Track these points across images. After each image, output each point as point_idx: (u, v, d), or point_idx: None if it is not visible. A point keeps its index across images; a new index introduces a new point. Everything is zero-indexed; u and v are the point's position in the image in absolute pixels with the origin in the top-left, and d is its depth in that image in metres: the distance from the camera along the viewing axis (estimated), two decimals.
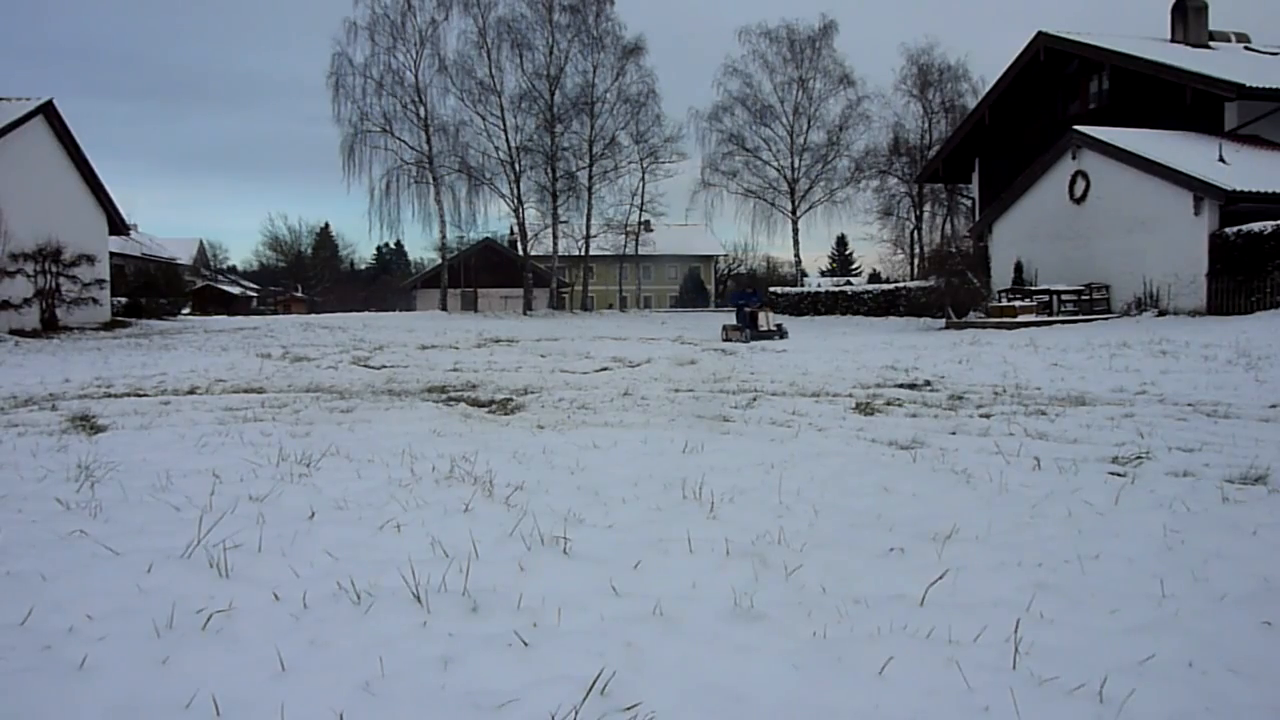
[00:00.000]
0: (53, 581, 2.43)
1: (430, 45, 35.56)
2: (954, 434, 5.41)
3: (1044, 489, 3.83)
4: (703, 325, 25.36)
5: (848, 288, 33.42)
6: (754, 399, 7.27)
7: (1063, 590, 2.53)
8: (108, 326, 22.74)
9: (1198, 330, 13.02)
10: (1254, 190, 16.01)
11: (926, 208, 42.49)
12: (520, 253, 40.09)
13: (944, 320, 21.02)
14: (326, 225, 77.67)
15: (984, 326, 17.98)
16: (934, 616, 2.28)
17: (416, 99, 35.68)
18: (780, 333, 19.19)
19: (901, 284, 30.28)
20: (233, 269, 71.67)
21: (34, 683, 1.82)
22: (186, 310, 39.02)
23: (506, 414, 6.59)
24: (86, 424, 5.94)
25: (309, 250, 73.37)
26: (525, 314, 35.40)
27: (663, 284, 63.49)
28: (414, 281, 58.92)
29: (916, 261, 41.63)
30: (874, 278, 57.03)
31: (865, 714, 1.75)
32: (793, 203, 40.24)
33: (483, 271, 48.36)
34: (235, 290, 57.89)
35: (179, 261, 47.11)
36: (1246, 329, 12.27)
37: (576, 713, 1.72)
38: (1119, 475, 4.14)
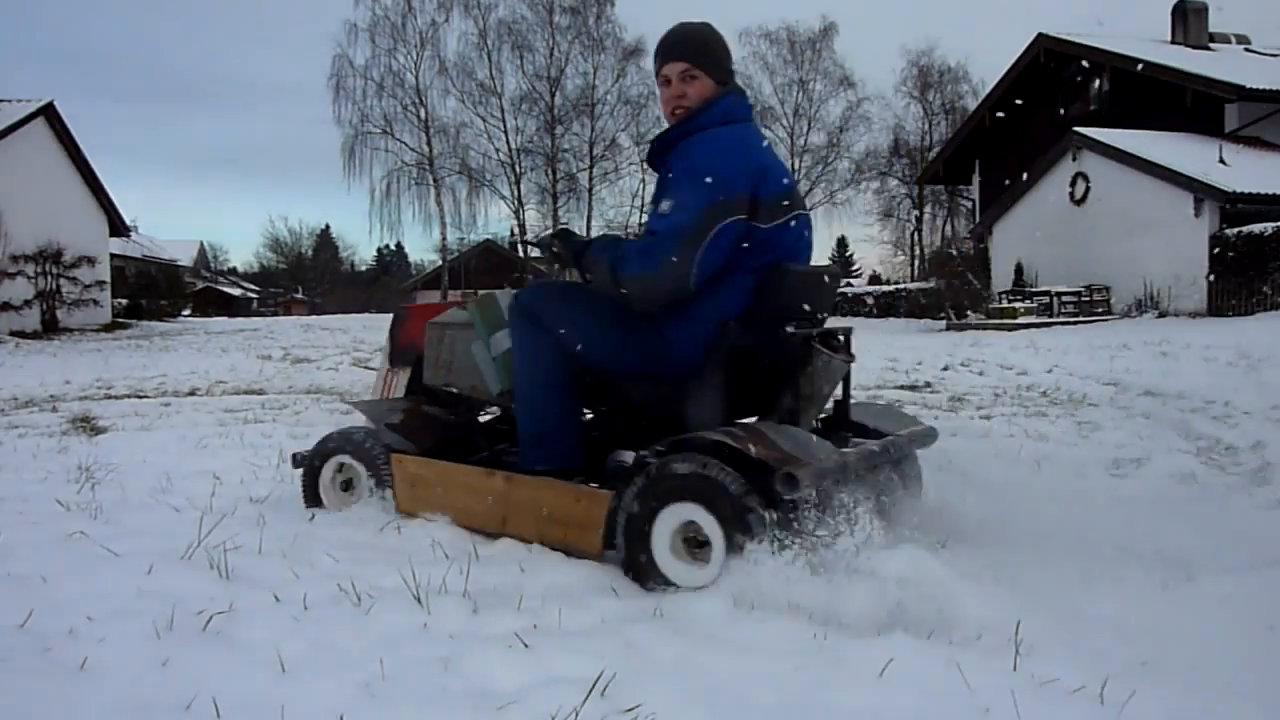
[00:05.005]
0: (53, 583, 2.43)
1: (430, 47, 35.63)
2: (954, 436, 5.40)
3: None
4: None
5: (848, 289, 33.40)
6: None
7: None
8: (108, 328, 22.74)
9: (1198, 332, 13.01)
10: (1254, 192, 16.02)
11: (927, 209, 42.54)
12: (521, 254, 40.11)
13: (944, 322, 21.02)
14: (327, 227, 77.71)
15: (984, 328, 17.98)
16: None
17: (417, 100, 35.73)
18: None
19: (902, 285, 30.29)
20: (233, 271, 71.77)
21: (34, 685, 1.82)
22: (187, 312, 39.04)
23: None
24: (87, 425, 5.95)
25: (309, 252, 73.40)
26: None
27: None
28: (414, 283, 58.88)
29: (917, 263, 41.65)
30: (874, 279, 57.00)
31: (865, 715, 1.74)
32: None
33: (483, 273, 48.35)
34: (236, 292, 57.97)
35: (179, 263, 47.14)
36: (1247, 330, 12.25)
37: (577, 714, 1.71)
38: (1120, 477, 4.13)
